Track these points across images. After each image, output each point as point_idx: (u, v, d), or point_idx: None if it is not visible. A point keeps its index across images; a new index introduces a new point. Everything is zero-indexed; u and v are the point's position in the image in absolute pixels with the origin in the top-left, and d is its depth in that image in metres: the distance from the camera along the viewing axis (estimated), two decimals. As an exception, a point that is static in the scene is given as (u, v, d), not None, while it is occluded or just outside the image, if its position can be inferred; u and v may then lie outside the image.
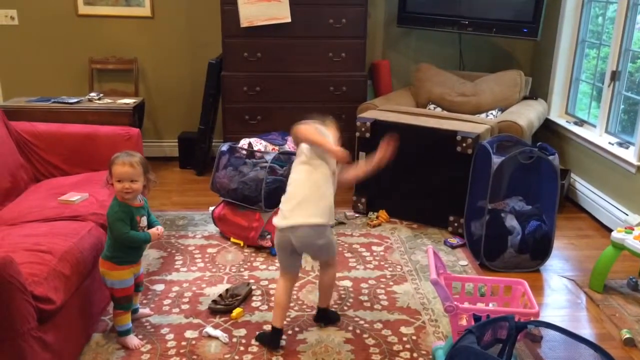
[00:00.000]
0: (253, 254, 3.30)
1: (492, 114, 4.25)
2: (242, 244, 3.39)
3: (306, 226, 2.36)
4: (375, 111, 3.94)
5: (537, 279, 3.14)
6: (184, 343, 2.49)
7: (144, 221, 2.43)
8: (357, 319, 2.70)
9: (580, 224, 3.86)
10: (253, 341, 2.51)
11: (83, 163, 3.29)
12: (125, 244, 2.37)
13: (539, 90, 4.67)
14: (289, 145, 3.74)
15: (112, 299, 2.45)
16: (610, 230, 3.42)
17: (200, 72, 4.53)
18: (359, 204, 3.88)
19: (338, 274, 3.08)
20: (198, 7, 4.65)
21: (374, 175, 2.64)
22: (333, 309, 2.72)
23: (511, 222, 3.26)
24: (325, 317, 2.65)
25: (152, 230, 2.44)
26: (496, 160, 3.11)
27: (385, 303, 2.84)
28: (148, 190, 2.45)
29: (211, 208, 3.62)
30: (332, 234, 2.50)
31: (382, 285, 3.01)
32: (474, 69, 4.76)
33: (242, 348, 2.47)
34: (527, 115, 3.99)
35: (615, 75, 3.87)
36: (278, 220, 2.40)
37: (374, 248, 3.42)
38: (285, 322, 2.63)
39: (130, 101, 4.24)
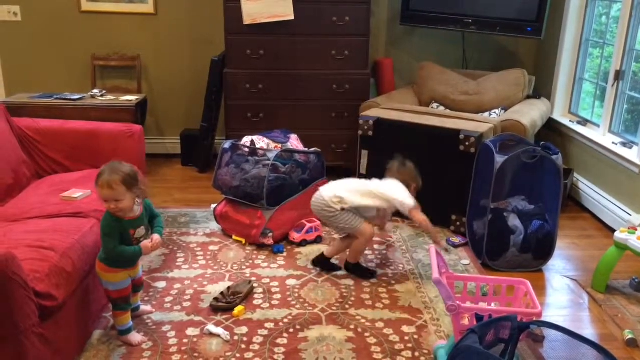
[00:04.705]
0: (255, 252, 3.30)
1: (495, 112, 4.24)
2: (244, 242, 3.39)
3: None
4: (378, 109, 3.93)
5: (539, 279, 3.13)
6: (185, 340, 2.48)
7: (139, 232, 2.38)
8: (358, 317, 2.69)
9: (583, 224, 3.85)
10: (255, 339, 2.51)
11: (85, 160, 3.28)
12: (114, 258, 2.35)
13: (542, 89, 4.66)
14: (291, 143, 3.74)
15: (108, 299, 2.45)
16: (613, 231, 3.41)
17: (203, 69, 4.53)
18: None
19: (340, 272, 3.10)
20: (201, 4, 4.64)
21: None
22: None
23: (514, 221, 3.25)
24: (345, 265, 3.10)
25: (145, 243, 2.37)
26: (499, 159, 3.10)
27: (387, 302, 2.84)
28: (142, 198, 2.40)
29: (213, 205, 3.62)
30: (337, 215, 3.00)
31: (384, 284, 3.00)
32: (477, 68, 4.75)
33: (243, 346, 2.46)
34: (530, 114, 3.98)
35: (619, 75, 3.86)
36: None
37: (376, 247, 3.41)
38: (286, 320, 2.65)
39: (132, 98, 4.24)
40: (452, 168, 3.49)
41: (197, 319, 2.65)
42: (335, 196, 2.97)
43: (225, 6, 4.14)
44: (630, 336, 2.57)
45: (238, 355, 2.41)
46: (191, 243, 3.39)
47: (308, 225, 3.41)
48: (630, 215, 3.53)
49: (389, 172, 3.11)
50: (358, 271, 3.07)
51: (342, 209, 2.97)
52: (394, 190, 3.00)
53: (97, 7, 4.60)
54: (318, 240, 3.43)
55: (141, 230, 2.39)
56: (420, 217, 3.02)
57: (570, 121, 4.40)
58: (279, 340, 2.51)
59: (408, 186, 3.04)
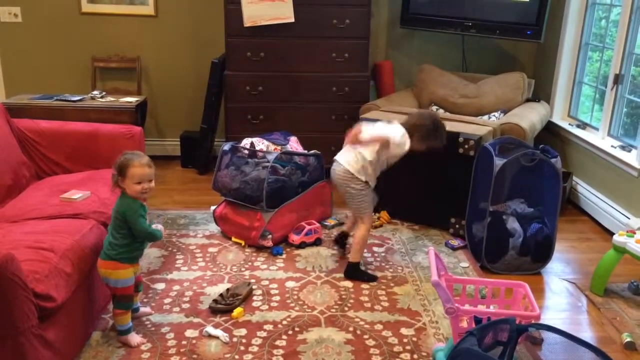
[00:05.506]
0: (254, 254, 3.30)
1: (494, 115, 4.25)
2: (243, 244, 3.39)
3: (340, 165, 2.97)
4: (377, 112, 3.94)
5: (538, 282, 3.14)
6: (184, 342, 2.49)
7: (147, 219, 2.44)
8: (357, 319, 2.70)
9: (581, 227, 3.86)
10: (253, 341, 2.51)
11: (85, 161, 3.29)
12: (139, 242, 2.40)
13: (541, 92, 4.67)
14: (291, 145, 3.75)
15: (113, 298, 2.45)
16: (611, 234, 3.41)
17: (203, 71, 4.53)
18: (360, 205, 3.87)
19: (339, 274, 3.10)
20: (201, 6, 4.65)
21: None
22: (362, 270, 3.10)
23: (513, 224, 3.26)
24: (346, 270, 3.08)
25: (159, 227, 2.47)
26: (498, 162, 3.11)
27: (386, 304, 2.84)
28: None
29: (212, 207, 3.63)
30: (362, 191, 2.97)
31: (383, 287, 3.00)
32: (477, 71, 4.76)
33: (242, 348, 2.46)
34: (529, 117, 3.98)
35: (618, 79, 3.87)
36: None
37: (375, 249, 3.42)
38: (285, 322, 2.65)
39: (132, 99, 4.23)
40: (452, 171, 3.49)
41: (196, 320, 2.65)
42: (362, 169, 2.92)
43: (226, 8, 4.15)
44: (628, 339, 2.57)
45: (237, 357, 2.41)
46: (190, 245, 3.39)
47: (307, 227, 3.42)
48: (628, 218, 3.53)
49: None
50: (359, 275, 3.06)
51: (367, 182, 2.97)
52: (387, 129, 2.98)
53: (97, 9, 4.61)
54: (317, 242, 3.44)
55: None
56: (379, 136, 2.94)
57: (569, 124, 4.41)
58: (277, 342, 2.51)
59: (411, 135, 2.95)
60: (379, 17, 4.77)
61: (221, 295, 2.79)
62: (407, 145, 2.93)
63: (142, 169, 2.34)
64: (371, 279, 3.05)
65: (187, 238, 3.48)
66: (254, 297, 2.85)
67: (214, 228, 3.60)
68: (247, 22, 4.13)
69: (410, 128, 2.97)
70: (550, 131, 4.52)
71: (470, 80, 4.54)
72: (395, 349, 2.50)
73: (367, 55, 4.35)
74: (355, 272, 3.06)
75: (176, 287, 2.92)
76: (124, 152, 2.42)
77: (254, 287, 2.93)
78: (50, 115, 3.69)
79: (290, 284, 2.99)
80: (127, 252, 2.38)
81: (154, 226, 2.47)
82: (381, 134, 2.93)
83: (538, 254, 3.20)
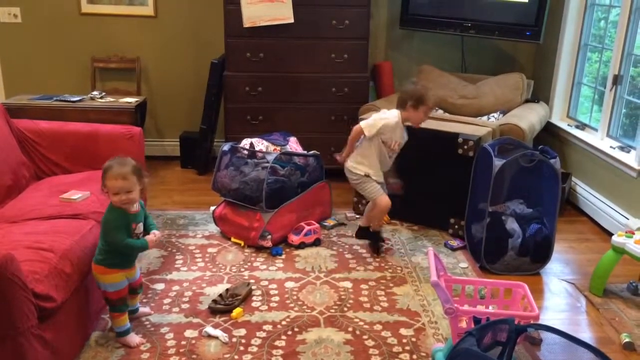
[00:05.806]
0: (253, 254, 3.31)
1: (493, 116, 4.25)
2: (242, 244, 3.39)
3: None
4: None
5: (537, 282, 3.14)
6: (183, 342, 2.49)
7: (139, 227, 2.41)
8: (356, 320, 2.70)
9: (580, 228, 3.86)
10: (253, 341, 2.51)
11: (85, 161, 3.28)
12: (121, 251, 2.37)
13: (540, 93, 4.67)
14: (290, 146, 3.75)
15: (106, 302, 2.45)
16: (610, 234, 3.42)
17: (203, 72, 4.54)
18: (359, 205, 3.88)
19: (338, 275, 3.10)
20: (201, 7, 4.65)
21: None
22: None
23: (512, 225, 3.26)
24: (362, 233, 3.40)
25: (149, 237, 2.41)
26: (497, 162, 3.11)
27: (385, 305, 2.84)
28: (145, 192, 2.43)
29: (212, 208, 3.63)
30: (360, 180, 3.23)
31: (382, 287, 3.01)
32: (476, 72, 4.76)
33: (241, 348, 2.47)
34: (528, 118, 3.99)
35: (617, 79, 3.87)
36: None
37: (375, 249, 3.42)
38: (285, 322, 2.65)
39: (132, 100, 4.24)
40: (451, 171, 3.50)
41: (195, 320, 2.65)
42: (356, 163, 3.21)
43: (226, 9, 4.15)
44: (627, 339, 2.58)
45: (236, 357, 2.41)
46: (190, 245, 3.40)
47: (306, 227, 3.42)
48: (627, 219, 3.54)
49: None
50: (369, 236, 3.35)
51: (367, 175, 3.19)
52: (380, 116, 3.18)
53: (97, 9, 4.61)
54: (317, 242, 3.44)
55: (140, 226, 2.42)
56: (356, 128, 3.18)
57: (568, 125, 4.41)
58: (277, 343, 2.51)
59: (404, 107, 3.12)
60: (378, 18, 4.78)
61: (220, 295, 2.79)
62: (392, 114, 3.13)
63: (115, 182, 2.29)
64: (377, 241, 3.35)
65: (186, 238, 3.48)
66: (254, 298, 2.86)
67: (213, 228, 3.60)
68: (247, 23, 4.14)
69: (401, 102, 3.14)
70: (549, 132, 4.52)
71: (470, 81, 4.54)
72: (395, 349, 2.50)
73: (367, 56, 4.35)
74: (364, 233, 3.38)
75: (175, 288, 2.92)
76: (112, 158, 2.38)
77: (253, 287, 2.93)
78: (49, 116, 3.70)
79: (289, 285, 3.00)
80: (111, 257, 2.36)
81: (152, 232, 2.45)
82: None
83: (537, 254, 3.21)
